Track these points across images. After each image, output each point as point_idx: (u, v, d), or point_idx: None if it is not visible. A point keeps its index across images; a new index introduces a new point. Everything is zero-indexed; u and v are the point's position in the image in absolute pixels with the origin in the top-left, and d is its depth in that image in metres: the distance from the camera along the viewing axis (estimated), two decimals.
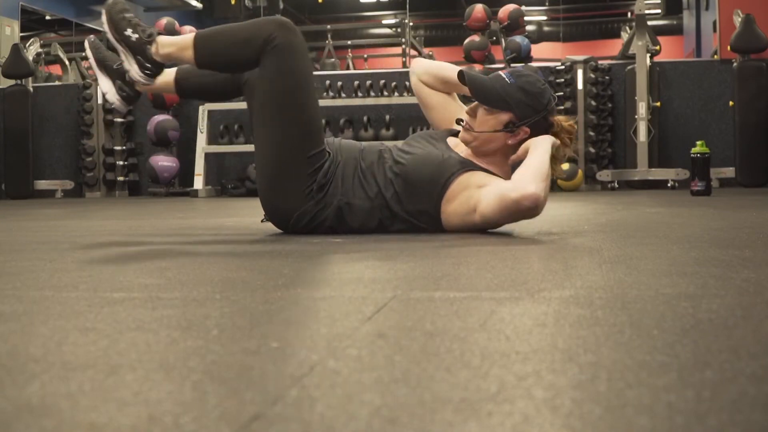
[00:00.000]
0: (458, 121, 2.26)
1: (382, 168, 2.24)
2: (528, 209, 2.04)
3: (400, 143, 2.38)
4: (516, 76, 2.20)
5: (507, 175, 2.25)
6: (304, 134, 2.24)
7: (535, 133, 2.19)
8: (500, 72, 2.25)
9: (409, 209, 2.21)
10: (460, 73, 2.26)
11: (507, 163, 2.25)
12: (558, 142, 2.19)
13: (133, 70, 2.20)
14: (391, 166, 2.23)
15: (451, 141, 2.32)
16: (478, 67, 6.78)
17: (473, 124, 2.21)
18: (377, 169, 2.24)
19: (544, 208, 2.08)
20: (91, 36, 2.50)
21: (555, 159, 2.18)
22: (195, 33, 2.26)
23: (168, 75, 2.38)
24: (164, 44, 2.21)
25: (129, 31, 2.19)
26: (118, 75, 2.31)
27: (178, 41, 2.24)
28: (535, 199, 2.02)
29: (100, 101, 7.16)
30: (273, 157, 2.25)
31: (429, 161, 2.20)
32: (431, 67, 2.47)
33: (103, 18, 2.23)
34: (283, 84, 2.23)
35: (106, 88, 2.34)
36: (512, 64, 6.73)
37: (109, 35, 2.21)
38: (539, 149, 2.12)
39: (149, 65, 2.20)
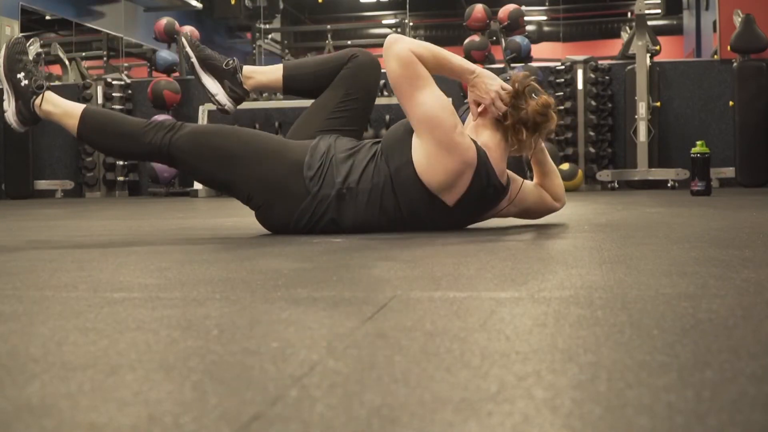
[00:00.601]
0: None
1: (372, 154, 2.27)
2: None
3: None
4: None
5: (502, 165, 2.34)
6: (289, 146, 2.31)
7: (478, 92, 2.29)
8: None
9: (394, 167, 2.21)
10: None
11: (504, 158, 2.33)
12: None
13: (10, 110, 2.22)
14: (380, 147, 2.29)
15: None
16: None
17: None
18: (368, 155, 2.27)
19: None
20: (186, 30, 2.55)
21: (540, 135, 2.32)
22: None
23: (276, 73, 2.44)
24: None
25: (20, 75, 2.20)
26: (225, 75, 2.32)
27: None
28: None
29: (100, 101, 7.16)
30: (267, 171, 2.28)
31: (404, 124, 2.30)
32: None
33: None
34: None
35: (214, 89, 2.34)
36: (512, 64, 6.73)
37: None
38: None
39: (26, 114, 2.22)
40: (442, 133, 2.15)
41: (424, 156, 2.17)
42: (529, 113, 2.26)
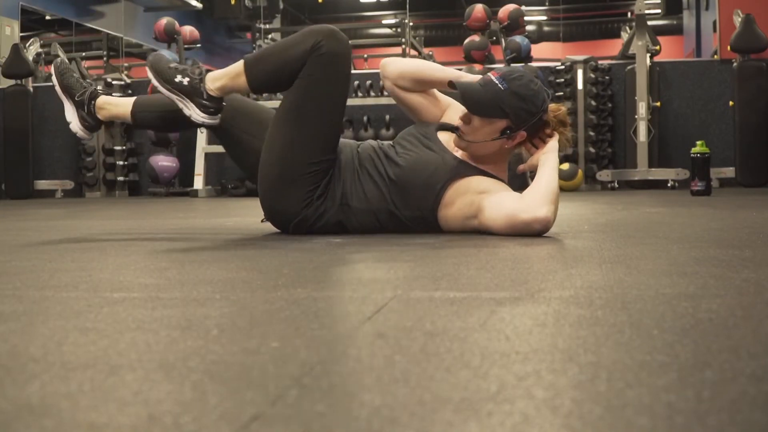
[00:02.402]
0: (452, 129, 2.22)
1: (377, 171, 2.23)
2: (537, 231, 2.07)
3: (391, 142, 2.34)
4: (508, 80, 2.13)
5: (503, 174, 2.26)
6: (317, 142, 2.21)
7: (531, 133, 2.18)
8: (491, 76, 2.17)
9: (406, 215, 2.21)
10: (452, 84, 2.20)
11: (504, 161, 2.26)
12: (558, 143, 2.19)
13: (195, 113, 2.20)
14: (387, 172, 2.21)
15: (443, 136, 2.29)
16: (477, 67, 6.78)
17: (468, 131, 2.17)
18: (374, 172, 2.23)
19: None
20: (58, 59, 2.54)
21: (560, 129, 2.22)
22: (243, 59, 2.25)
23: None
24: (215, 78, 2.21)
25: (179, 78, 2.21)
26: (80, 105, 2.41)
27: (228, 71, 2.23)
28: (546, 222, 2.06)
29: None
30: (280, 159, 2.22)
31: (423, 166, 2.19)
32: (406, 70, 2.34)
33: (150, 75, 2.24)
34: (315, 90, 2.20)
35: (69, 117, 2.43)
36: (512, 64, 6.73)
37: (160, 88, 2.22)
38: (547, 167, 2.13)
39: (208, 103, 2.20)
40: (477, 222, 2.16)
41: (452, 219, 2.19)
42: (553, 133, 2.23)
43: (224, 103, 2.24)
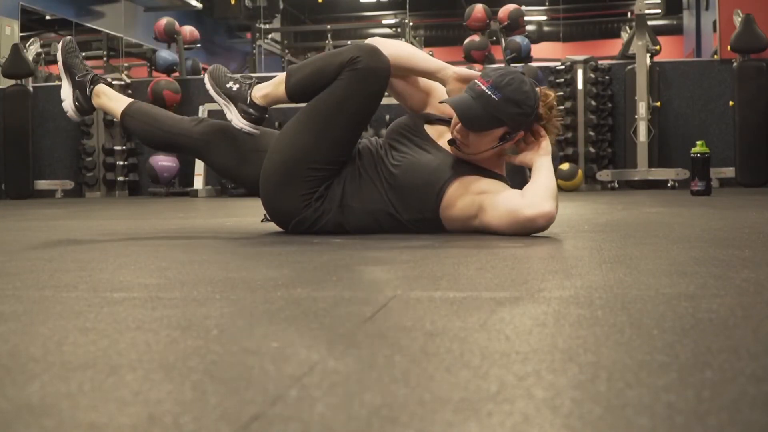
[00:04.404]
0: (449, 142, 2.19)
1: (377, 173, 2.23)
2: (541, 227, 2.08)
3: (382, 141, 2.33)
4: (500, 88, 2.09)
5: (501, 169, 2.27)
6: (327, 151, 2.23)
7: (527, 130, 2.19)
8: (481, 86, 2.11)
9: (406, 218, 2.21)
10: (445, 103, 2.17)
11: (502, 157, 2.27)
12: (550, 142, 2.20)
13: (235, 119, 2.26)
14: (385, 176, 2.21)
15: (432, 131, 2.29)
16: (478, 67, 6.79)
17: (466, 143, 2.16)
18: (373, 174, 2.24)
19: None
20: (68, 38, 2.55)
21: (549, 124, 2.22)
22: (287, 68, 2.35)
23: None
24: (261, 87, 2.29)
25: (230, 84, 2.28)
26: (79, 86, 2.43)
27: (273, 80, 2.30)
28: (550, 217, 2.07)
29: None
30: (285, 161, 2.23)
31: (420, 170, 2.18)
32: (400, 57, 2.25)
33: (206, 80, 2.33)
34: (340, 101, 2.20)
35: (64, 95, 2.45)
36: (512, 64, 6.73)
37: (212, 92, 2.30)
38: (544, 168, 2.14)
39: (251, 110, 2.26)
40: (478, 221, 2.16)
41: (455, 220, 2.19)
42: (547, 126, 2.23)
43: (266, 115, 2.31)
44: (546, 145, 2.18)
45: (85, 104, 2.43)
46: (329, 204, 2.24)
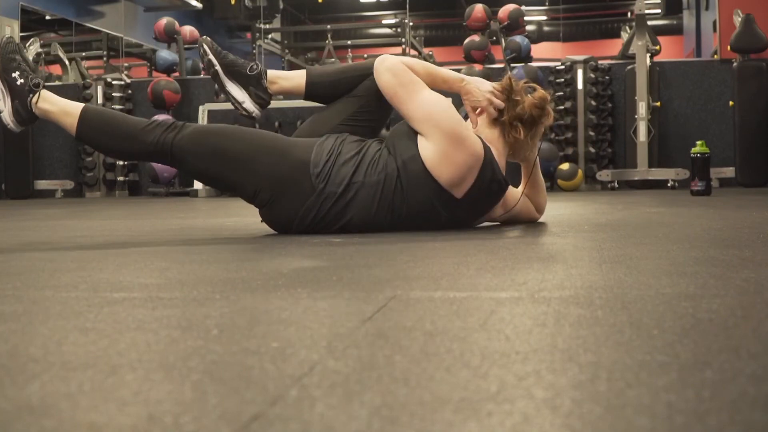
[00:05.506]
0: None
1: (376, 175, 2.24)
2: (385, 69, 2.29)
3: (382, 146, 2.34)
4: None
5: (502, 154, 2.40)
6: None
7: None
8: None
9: (400, 162, 2.22)
10: None
11: (498, 137, 2.40)
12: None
13: (6, 111, 2.17)
14: (387, 180, 2.25)
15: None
16: (477, 67, 6.78)
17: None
18: (375, 150, 2.28)
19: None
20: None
21: (537, 131, 2.42)
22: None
23: (298, 79, 2.42)
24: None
25: (16, 74, 2.16)
26: (250, 81, 2.34)
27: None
28: (389, 62, 2.30)
29: (100, 101, 7.16)
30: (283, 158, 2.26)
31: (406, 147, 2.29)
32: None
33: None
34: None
35: (240, 97, 2.34)
36: (512, 64, 6.73)
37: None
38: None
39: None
40: (448, 126, 2.18)
41: (432, 152, 2.19)
42: (526, 107, 2.35)
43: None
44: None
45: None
46: (333, 187, 2.21)
